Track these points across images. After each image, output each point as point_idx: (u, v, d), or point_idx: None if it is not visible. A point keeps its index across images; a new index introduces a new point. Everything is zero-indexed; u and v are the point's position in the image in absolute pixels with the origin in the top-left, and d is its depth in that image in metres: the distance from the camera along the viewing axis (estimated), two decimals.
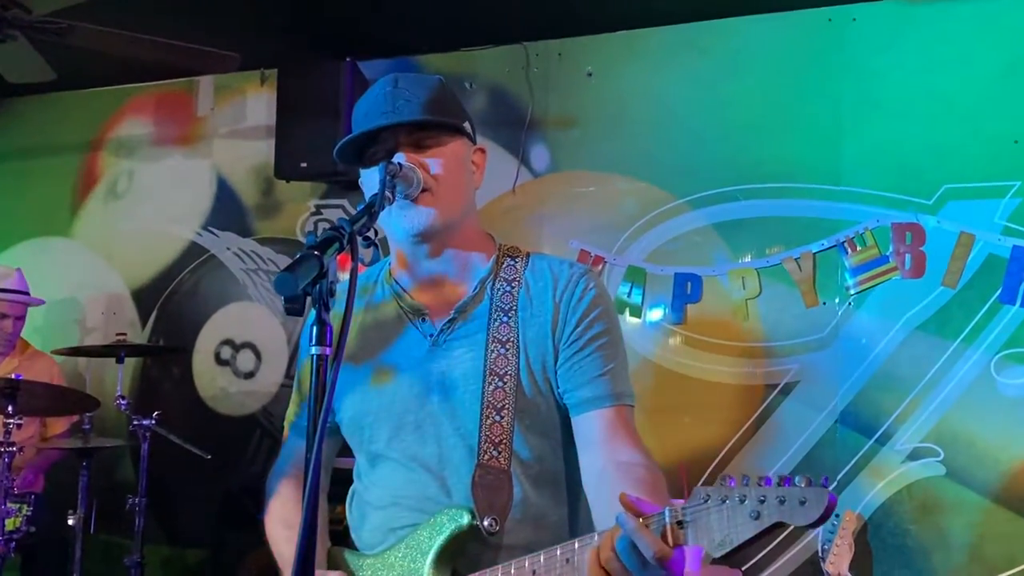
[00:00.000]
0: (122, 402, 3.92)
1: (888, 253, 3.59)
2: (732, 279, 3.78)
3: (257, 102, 4.74)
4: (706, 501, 1.23)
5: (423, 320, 1.74)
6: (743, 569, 3.49)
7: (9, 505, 3.56)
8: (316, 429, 1.20)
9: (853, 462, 3.60)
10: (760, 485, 1.19)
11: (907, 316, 3.57)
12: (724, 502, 1.22)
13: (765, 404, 3.72)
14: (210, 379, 4.73)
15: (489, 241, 1.82)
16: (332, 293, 1.25)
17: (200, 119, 4.90)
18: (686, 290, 3.82)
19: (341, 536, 1.84)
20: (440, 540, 1.63)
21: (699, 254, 3.84)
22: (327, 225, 4.55)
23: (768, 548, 3.63)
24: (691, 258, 3.85)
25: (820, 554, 3.45)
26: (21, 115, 5.29)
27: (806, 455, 3.65)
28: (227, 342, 4.72)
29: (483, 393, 1.68)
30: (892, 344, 3.59)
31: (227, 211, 4.80)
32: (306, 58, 4.32)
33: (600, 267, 3.95)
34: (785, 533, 3.59)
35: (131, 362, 4.75)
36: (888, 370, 3.59)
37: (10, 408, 3.56)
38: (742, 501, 1.20)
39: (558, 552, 1.44)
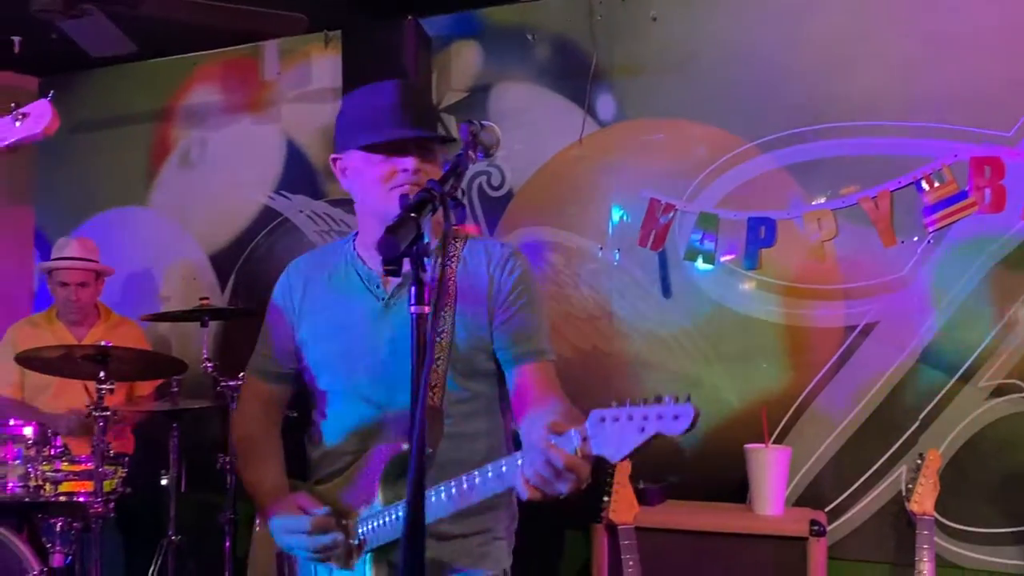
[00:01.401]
0: (208, 364, 4.04)
1: (966, 188, 3.53)
2: (807, 221, 3.74)
3: (322, 64, 4.78)
4: (603, 421, 1.51)
5: (377, 286, 2.08)
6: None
7: (106, 468, 3.69)
8: (420, 382, 1.25)
9: (936, 401, 3.56)
10: (642, 405, 1.48)
11: (987, 252, 3.51)
12: (616, 421, 1.49)
13: (844, 346, 3.69)
14: None
15: (439, 225, 2.11)
16: (427, 253, 1.30)
17: (267, 84, 4.96)
18: (760, 235, 3.79)
19: None
20: (381, 467, 1.97)
21: (772, 197, 3.80)
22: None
23: (851, 489, 3.64)
24: (764, 202, 3.81)
25: (904, 494, 3.44)
26: (93, 88, 5.41)
27: (888, 396, 3.63)
28: None
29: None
30: (973, 280, 3.53)
31: (297, 174, 4.87)
32: (369, 17, 4.34)
33: (671, 214, 3.93)
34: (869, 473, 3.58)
35: (212, 325, 4.87)
36: (969, 307, 3.53)
37: (102, 374, 3.69)
38: (630, 419, 1.48)
39: (489, 470, 1.73)
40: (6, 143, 1.44)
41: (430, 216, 1.43)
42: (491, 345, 2.05)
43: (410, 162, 1.95)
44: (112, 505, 3.70)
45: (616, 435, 1.49)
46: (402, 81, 2.06)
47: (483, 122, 1.74)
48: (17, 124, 1.43)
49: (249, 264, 4.97)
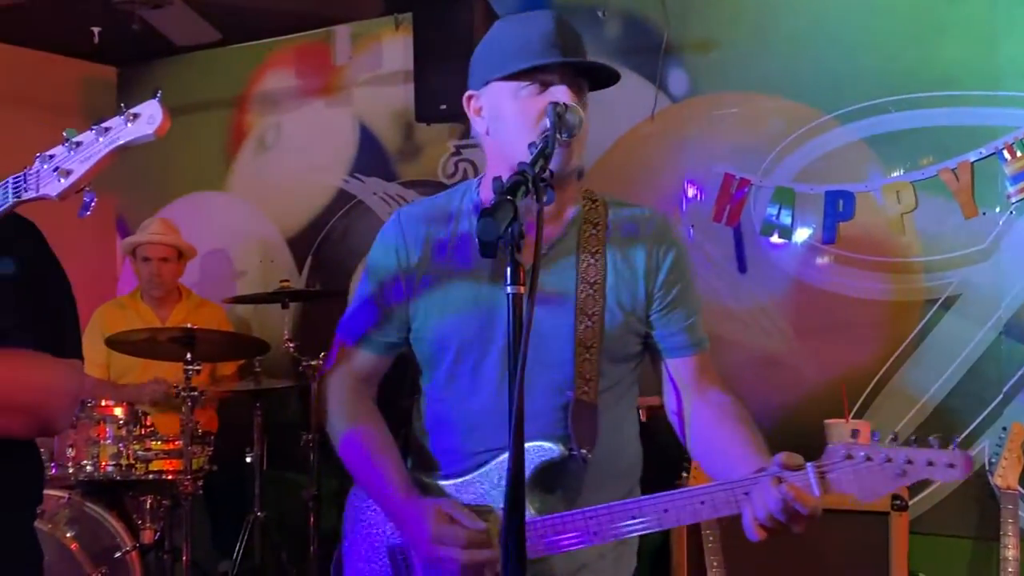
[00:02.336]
0: (290, 345, 4.13)
1: None
2: (886, 194, 3.68)
3: (393, 47, 4.82)
4: (849, 459, 1.38)
5: (516, 251, 1.79)
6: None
7: (194, 446, 3.81)
8: (517, 365, 1.26)
9: (1020, 374, 3.50)
10: (903, 447, 1.34)
11: None
12: (870, 461, 1.37)
13: (925, 320, 3.63)
14: None
15: (577, 186, 1.88)
16: (523, 235, 1.31)
17: (339, 68, 5.01)
18: (838, 208, 3.74)
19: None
20: (532, 468, 1.73)
21: (850, 170, 3.74)
22: (467, 165, 4.64)
23: None
24: (842, 175, 3.76)
25: (988, 468, 3.39)
26: (169, 76, 5.52)
27: (969, 369, 3.56)
28: None
29: (575, 331, 1.78)
30: None
31: (371, 157, 4.93)
32: None
33: (746, 189, 3.90)
34: None
35: (292, 306, 4.97)
36: None
37: (188, 356, 3.80)
38: (888, 461, 1.35)
39: (700, 498, 1.60)
40: (117, 144, 1.47)
41: (524, 199, 1.35)
42: (645, 329, 1.85)
43: (564, 93, 1.70)
44: (201, 483, 3.82)
45: (868, 477, 1.40)
46: (556, 12, 1.79)
47: (567, 103, 1.66)
48: (129, 125, 1.46)
49: (325, 246, 5.05)
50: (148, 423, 3.84)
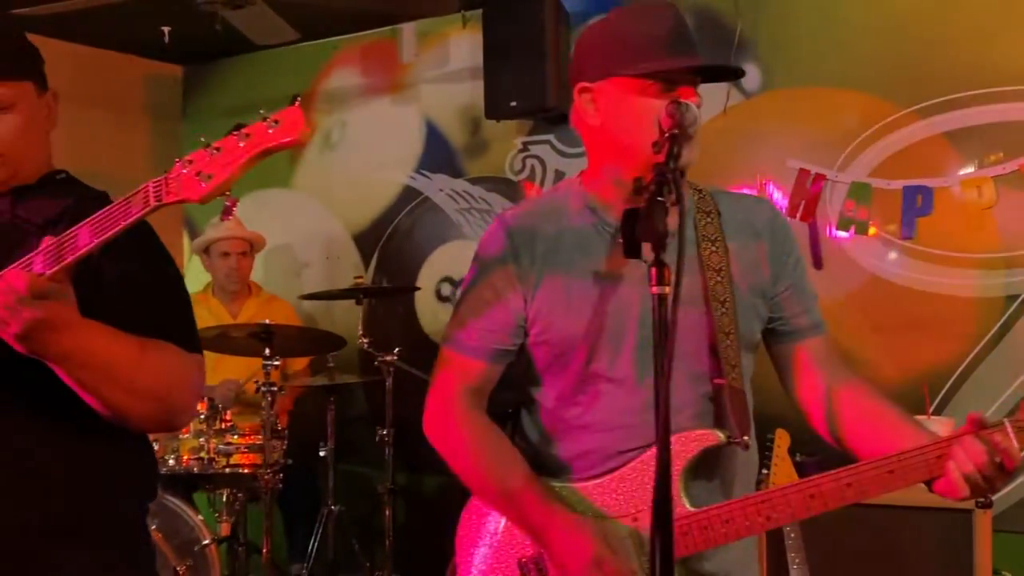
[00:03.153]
0: (364, 341, 4.17)
1: None
2: (966, 189, 3.64)
3: (459, 45, 4.85)
4: None
5: None
6: None
7: (273, 441, 3.86)
8: (663, 367, 1.27)
9: None
10: None
11: None
12: None
13: (1006, 316, 3.59)
14: (432, 315, 4.94)
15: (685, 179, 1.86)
16: (670, 235, 1.32)
17: (405, 66, 5.04)
18: (916, 203, 3.71)
19: None
20: (689, 457, 1.73)
21: (929, 165, 3.71)
22: (535, 161, 4.65)
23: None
24: (921, 170, 3.72)
25: None
26: (235, 75, 5.59)
27: None
28: (446, 279, 4.91)
29: (713, 318, 1.77)
30: None
31: (437, 154, 4.96)
32: None
33: (822, 184, 3.88)
34: None
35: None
36: None
37: (267, 351, 3.85)
38: None
39: (914, 457, 1.63)
40: (260, 149, 1.49)
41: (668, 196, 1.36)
42: (768, 313, 1.85)
43: (688, 91, 1.70)
44: (281, 476, 3.87)
45: None
46: (674, 6, 1.78)
47: (690, 102, 1.66)
48: (270, 131, 1.48)
49: (391, 243, 5.09)
50: (227, 418, 3.90)
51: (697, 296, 1.78)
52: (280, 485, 3.90)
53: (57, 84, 1.94)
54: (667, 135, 1.61)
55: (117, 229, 1.55)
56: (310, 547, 4.21)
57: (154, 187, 1.55)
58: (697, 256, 1.79)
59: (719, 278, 1.77)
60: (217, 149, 1.55)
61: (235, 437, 3.87)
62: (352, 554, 4.31)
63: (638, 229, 1.31)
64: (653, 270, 1.31)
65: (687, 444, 1.73)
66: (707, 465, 1.75)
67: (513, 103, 4.29)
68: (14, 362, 1.71)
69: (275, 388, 3.82)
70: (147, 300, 1.78)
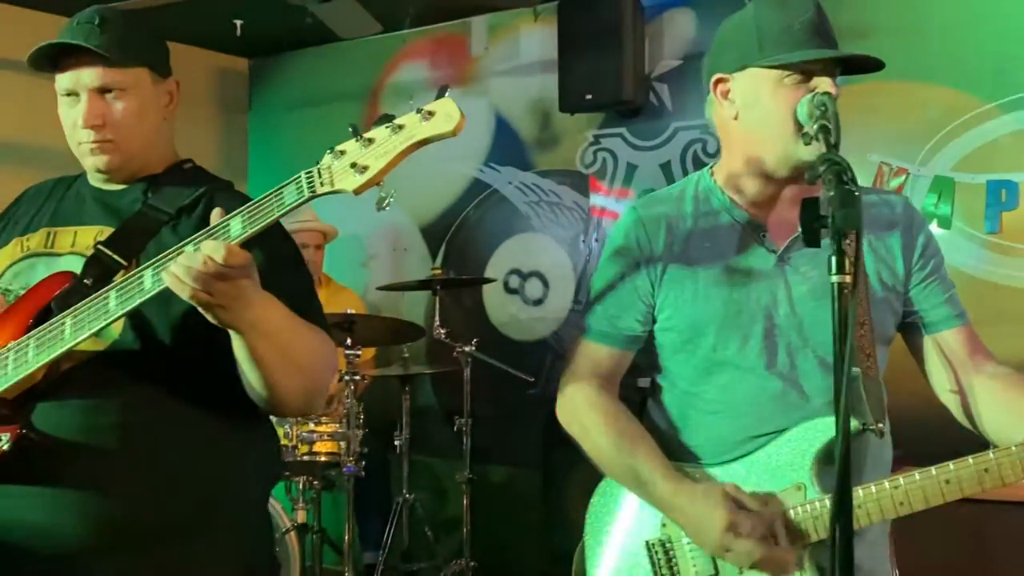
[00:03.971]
0: (441, 331, 4.21)
1: None
2: None
3: (530, 38, 4.87)
4: None
5: (763, 236, 1.83)
6: None
7: (355, 430, 3.91)
8: (844, 355, 1.29)
9: None
10: None
11: None
12: None
13: None
14: (500, 307, 4.98)
15: None
16: (860, 223, 1.33)
17: (475, 59, 5.08)
18: (1000, 198, 3.70)
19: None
20: (818, 446, 1.74)
21: (1014, 159, 3.69)
22: (606, 154, 4.67)
23: None
24: (1005, 164, 3.71)
25: None
26: (301, 68, 5.65)
27: None
28: (515, 271, 4.94)
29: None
30: None
31: (506, 147, 4.99)
32: None
33: (903, 179, 3.88)
34: None
35: (424, 295, 5.06)
36: None
37: (348, 340, 3.90)
38: None
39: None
40: (414, 140, 1.52)
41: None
42: (903, 308, 1.86)
43: (827, 83, 1.69)
44: (363, 463, 3.91)
45: None
46: None
47: (831, 92, 1.65)
48: (424, 123, 1.51)
49: (459, 235, 5.13)
50: None
51: (827, 287, 1.79)
52: (363, 474, 3.94)
53: None
54: (817, 126, 1.61)
55: (271, 219, 1.59)
56: (385, 536, 4.26)
57: (307, 177, 1.58)
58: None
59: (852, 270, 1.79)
60: (369, 140, 1.59)
61: (318, 425, 3.91)
62: (426, 543, 4.35)
63: (804, 212, 1.32)
64: (834, 259, 1.32)
65: (822, 430, 1.74)
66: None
67: (588, 96, 4.31)
68: (155, 357, 1.76)
69: (357, 377, 3.86)
70: (290, 284, 1.80)
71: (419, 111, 1.55)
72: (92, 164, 1.88)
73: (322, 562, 4.14)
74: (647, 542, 1.85)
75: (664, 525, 1.84)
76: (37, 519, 1.70)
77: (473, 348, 4.09)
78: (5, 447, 1.66)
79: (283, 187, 1.58)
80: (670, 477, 1.77)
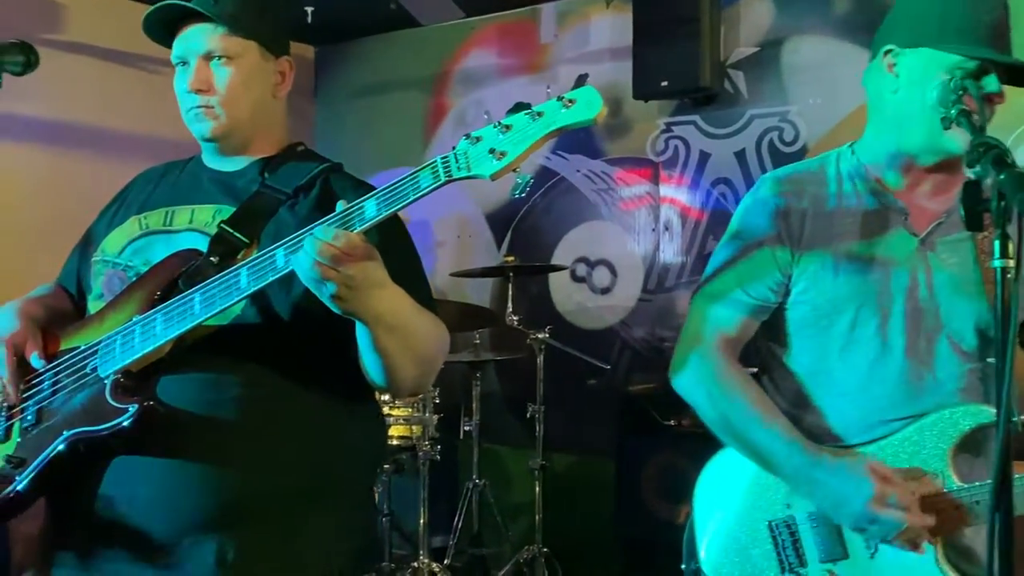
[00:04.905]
0: (514, 318, 4.21)
1: None
2: None
3: (601, 25, 4.84)
4: None
5: (906, 219, 1.81)
6: None
7: (431, 415, 3.92)
8: (1005, 341, 1.27)
9: None
10: None
11: None
12: None
13: None
14: (567, 295, 4.96)
15: None
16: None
17: (544, 47, 5.06)
18: None
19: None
20: (956, 434, 1.73)
21: None
22: (678, 142, 4.63)
23: None
24: None
25: None
26: (368, 55, 5.66)
27: None
28: (582, 259, 4.93)
29: (985, 296, 1.76)
30: None
31: (575, 134, 4.92)
32: None
33: None
34: None
35: (492, 282, 5.06)
36: None
37: None
38: None
39: None
40: (554, 128, 1.52)
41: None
42: None
43: (995, 82, 1.70)
44: (439, 449, 3.93)
45: None
46: None
47: (997, 94, 1.68)
48: (564, 110, 1.50)
49: (525, 223, 5.12)
50: None
51: (967, 276, 1.79)
52: (438, 458, 3.95)
53: None
54: (956, 110, 1.59)
55: (406, 202, 1.59)
56: (455, 521, 4.27)
57: (443, 162, 1.58)
58: (971, 237, 1.79)
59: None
60: (507, 127, 1.58)
61: (392, 409, 3.93)
62: (496, 528, 4.36)
63: (968, 194, 1.30)
64: (998, 243, 1.30)
65: (961, 419, 1.73)
66: (975, 441, 1.75)
67: (664, 82, 4.28)
68: (274, 333, 1.77)
69: None
70: (409, 272, 1.81)
71: (559, 98, 1.54)
72: (198, 132, 1.90)
73: (392, 546, 4.17)
74: (770, 522, 1.85)
75: (788, 506, 1.83)
76: (156, 492, 1.72)
77: (547, 335, 4.08)
78: (131, 419, 1.67)
79: (418, 171, 1.58)
80: (811, 449, 1.77)
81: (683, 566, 1.98)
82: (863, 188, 1.85)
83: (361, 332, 1.67)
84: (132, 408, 1.68)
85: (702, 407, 1.90)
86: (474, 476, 4.27)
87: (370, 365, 1.73)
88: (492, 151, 1.56)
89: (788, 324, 1.89)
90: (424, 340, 1.75)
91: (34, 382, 1.82)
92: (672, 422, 3.81)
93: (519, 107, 1.60)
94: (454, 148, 1.59)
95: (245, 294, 1.65)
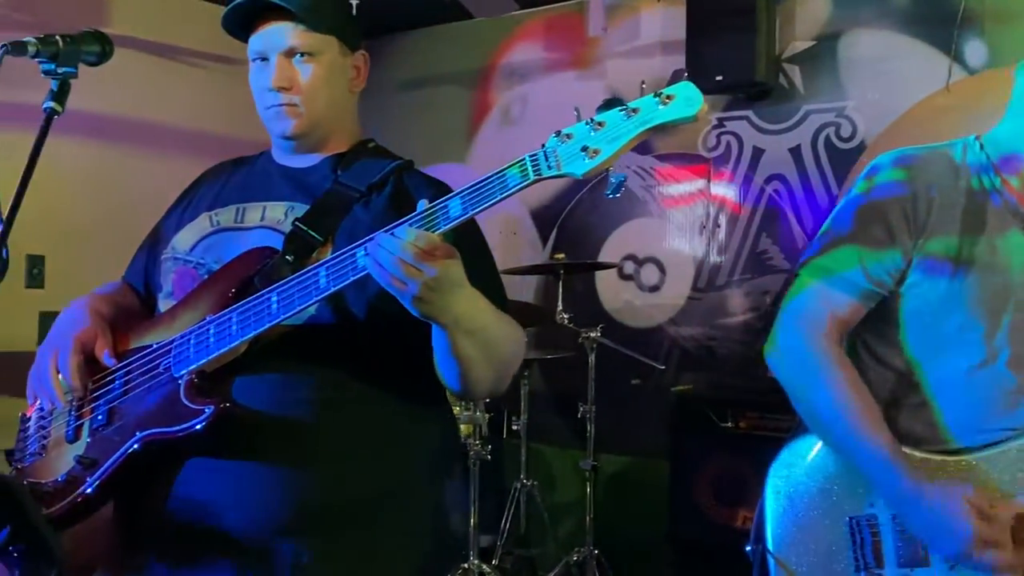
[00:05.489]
0: (564, 316, 4.15)
1: None
2: None
3: (651, 19, 4.77)
4: None
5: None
6: None
7: (482, 413, 3.88)
8: None
9: None
10: None
11: None
12: None
13: None
14: (614, 293, 4.90)
15: None
16: None
17: (592, 40, 4.99)
18: None
19: None
20: None
21: None
22: (731, 138, 4.55)
23: None
24: None
25: None
26: (414, 48, 5.61)
27: None
28: (630, 257, 4.86)
29: None
30: None
31: None
32: None
33: None
34: None
35: (533, 279, 5.01)
36: None
37: None
38: None
39: None
40: (651, 125, 1.46)
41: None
42: None
43: None
44: (490, 447, 3.89)
45: None
46: None
47: None
48: (661, 107, 1.44)
49: (571, 220, 5.06)
50: None
51: None
52: (488, 458, 3.91)
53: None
54: None
55: (493, 201, 1.53)
56: (503, 521, 4.22)
57: (531, 160, 1.53)
58: None
59: None
60: (600, 124, 1.53)
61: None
62: (543, 529, 4.31)
63: None
64: None
65: None
66: None
67: (719, 77, 4.20)
68: (350, 334, 1.72)
69: None
70: (485, 274, 1.77)
71: (656, 94, 1.48)
72: (279, 129, 1.86)
73: None
74: (851, 518, 1.78)
75: (872, 504, 1.77)
76: (230, 494, 1.69)
77: (599, 334, 4.02)
78: (206, 421, 1.63)
79: (505, 169, 1.52)
80: (913, 477, 1.69)
81: (747, 548, 1.91)
82: (988, 185, 1.77)
83: (438, 336, 1.63)
84: (208, 409, 1.64)
85: (796, 392, 1.80)
86: (522, 476, 4.23)
87: (446, 369, 1.69)
88: (585, 149, 1.50)
89: (902, 313, 1.79)
90: (502, 343, 1.71)
91: (104, 381, 1.79)
92: (729, 423, 3.74)
93: (611, 103, 1.54)
94: (543, 145, 1.53)
95: (324, 294, 1.61)
